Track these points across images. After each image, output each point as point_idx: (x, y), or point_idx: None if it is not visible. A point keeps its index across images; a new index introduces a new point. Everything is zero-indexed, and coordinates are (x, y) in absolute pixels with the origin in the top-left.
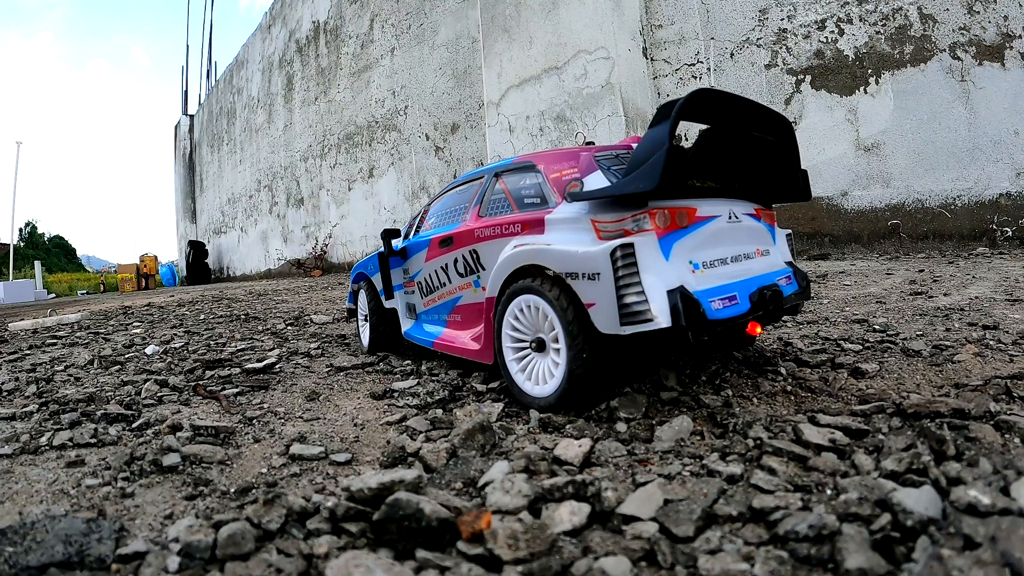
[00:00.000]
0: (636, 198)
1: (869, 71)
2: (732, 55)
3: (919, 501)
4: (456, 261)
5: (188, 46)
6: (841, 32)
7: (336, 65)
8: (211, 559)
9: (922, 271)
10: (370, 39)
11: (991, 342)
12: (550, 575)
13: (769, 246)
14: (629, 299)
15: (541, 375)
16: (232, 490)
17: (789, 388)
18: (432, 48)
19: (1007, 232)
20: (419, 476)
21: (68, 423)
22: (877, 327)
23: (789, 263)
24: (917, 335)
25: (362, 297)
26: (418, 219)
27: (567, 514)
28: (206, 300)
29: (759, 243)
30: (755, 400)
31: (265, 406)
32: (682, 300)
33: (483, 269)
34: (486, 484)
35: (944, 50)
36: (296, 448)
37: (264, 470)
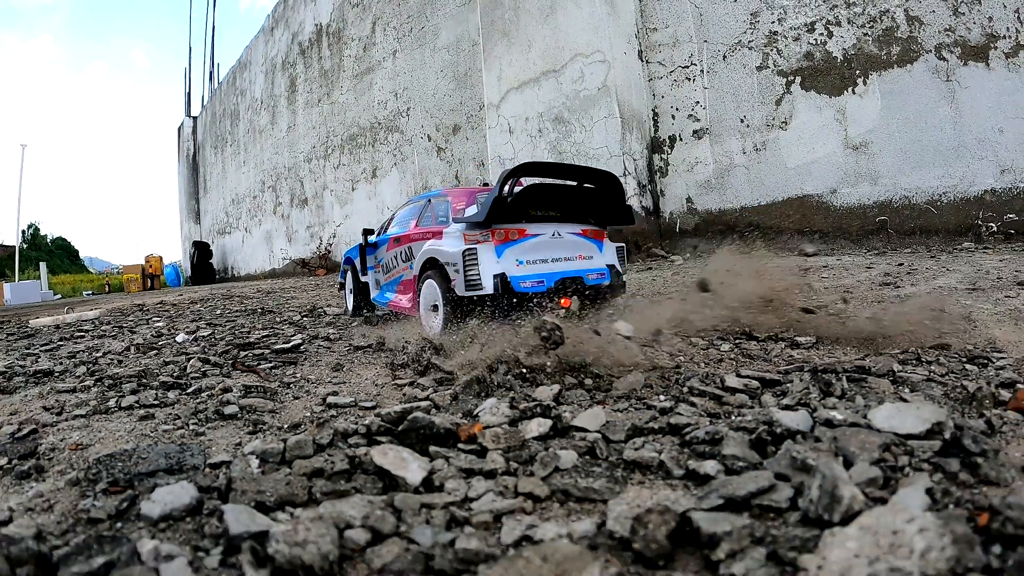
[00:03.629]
0: (479, 224)
1: (857, 72)
2: (724, 57)
3: (793, 419)
4: (401, 252)
5: (191, 48)
6: (830, 34)
7: (339, 67)
8: (282, 460)
9: (901, 264)
10: (372, 42)
11: (926, 322)
12: (521, 459)
13: (593, 254)
14: (471, 277)
15: (435, 319)
16: (285, 427)
17: (732, 356)
18: (433, 51)
19: (992, 227)
20: (430, 407)
21: (129, 391)
22: (832, 312)
23: (611, 265)
24: (866, 318)
25: (349, 276)
26: (387, 222)
27: (535, 426)
28: (217, 298)
29: (581, 251)
30: (702, 364)
31: (298, 375)
32: (501, 280)
33: (413, 258)
34: (479, 412)
35: (930, 51)
36: (331, 399)
37: (308, 414)
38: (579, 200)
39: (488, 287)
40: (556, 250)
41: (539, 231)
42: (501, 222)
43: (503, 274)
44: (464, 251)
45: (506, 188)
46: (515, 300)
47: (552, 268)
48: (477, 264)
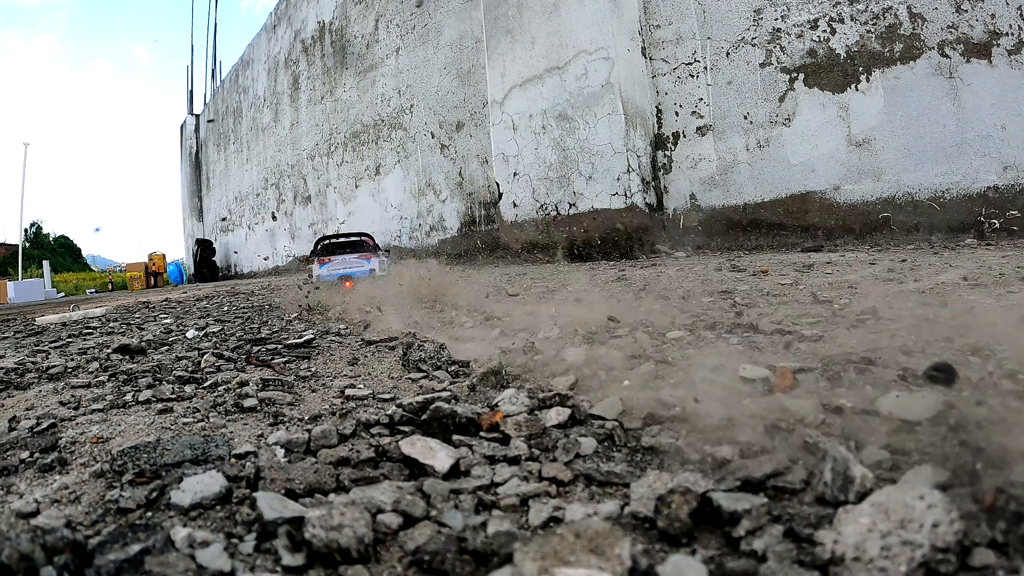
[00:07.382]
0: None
1: (860, 69)
2: (728, 54)
3: (802, 407)
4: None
5: (193, 46)
6: (833, 31)
7: (342, 65)
8: (307, 450)
9: (904, 260)
10: (375, 39)
11: (929, 316)
12: (543, 446)
13: (364, 264)
14: (313, 276)
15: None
16: (306, 418)
17: (741, 349)
18: (436, 48)
19: (995, 224)
20: (451, 397)
21: (145, 385)
22: (836, 307)
23: (372, 269)
24: (869, 310)
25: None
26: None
27: (555, 414)
28: (222, 295)
29: (359, 264)
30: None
31: (312, 369)
32: (320, 276)
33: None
34: (498, 401)
35: (933, 48)
36: (349, 392)
37: (327, 406)
38: (359, 243)
39: (316, 279)
40: (344, 265)
41: (335, 257)
42: (320, 255)
43: (320, 274)
44: (310, 266)
45: (319, 245)
46: (321, 282)
47: (341, 271)
48: (312, 271)
